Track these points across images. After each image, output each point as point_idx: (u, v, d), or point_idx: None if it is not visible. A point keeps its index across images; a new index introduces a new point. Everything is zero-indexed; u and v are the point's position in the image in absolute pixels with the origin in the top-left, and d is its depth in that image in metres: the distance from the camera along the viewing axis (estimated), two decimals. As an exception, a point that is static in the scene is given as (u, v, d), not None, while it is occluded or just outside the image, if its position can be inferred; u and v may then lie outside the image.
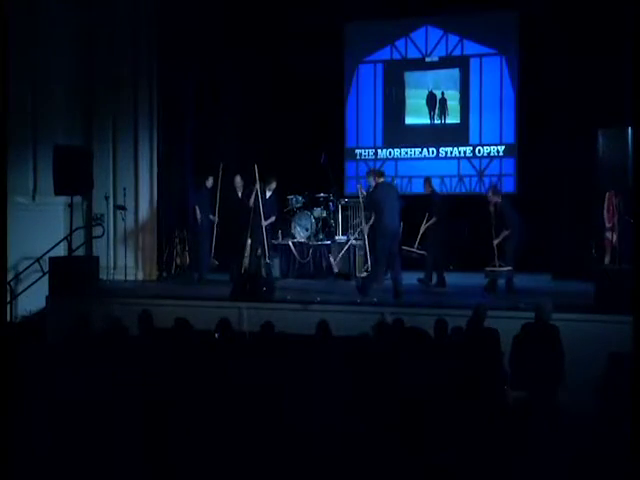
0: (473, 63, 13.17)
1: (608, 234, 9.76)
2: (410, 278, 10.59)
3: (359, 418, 4.80)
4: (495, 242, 9.98)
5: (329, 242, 12.17)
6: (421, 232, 10.81)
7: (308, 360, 5.77)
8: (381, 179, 9.84)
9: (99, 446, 4.89)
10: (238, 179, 11.40)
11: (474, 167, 13.22)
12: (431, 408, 5.04)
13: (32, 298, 10.66)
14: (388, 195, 9.66)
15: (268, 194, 11.08)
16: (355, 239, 11.93)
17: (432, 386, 5.25)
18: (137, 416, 5.04)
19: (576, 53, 11.30)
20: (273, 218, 11.15)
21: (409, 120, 13.63)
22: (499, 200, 10.15)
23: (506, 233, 9.94)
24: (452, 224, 11.38)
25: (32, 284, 10.89)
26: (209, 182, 11.51)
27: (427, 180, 11.15)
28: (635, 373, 5.14)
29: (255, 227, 10.83)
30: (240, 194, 11.34)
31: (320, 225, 12.46)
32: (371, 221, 10.28)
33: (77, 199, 11.51)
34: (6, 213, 8.18)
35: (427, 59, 13.41)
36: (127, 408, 5.10)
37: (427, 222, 10.76)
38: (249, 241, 10.90)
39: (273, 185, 11.07)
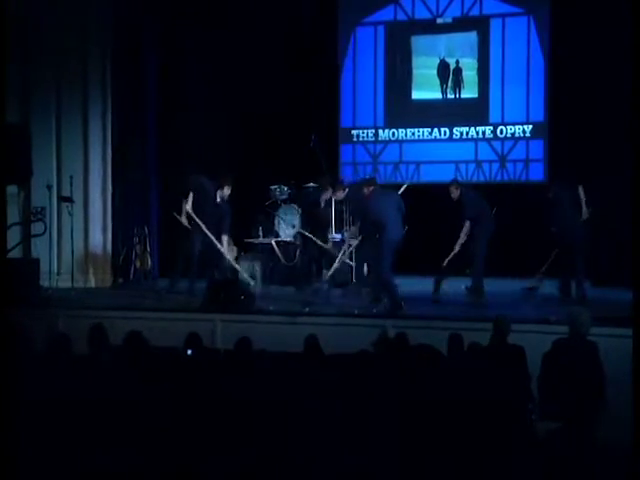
0: (494, 25, 13.18)
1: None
2: (414, 285, 10.81)
3: (356, 451, 4.82)
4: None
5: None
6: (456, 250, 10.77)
7: (294, 382, 5.78)
8: (371, 187, 10.14)
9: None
10: (227, 191, 11.20)
11: (495, 151, 13.25)
12: (443, 442, 5.04)
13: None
14: (385, 205, 9.91)
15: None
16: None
17: (445, 415, 5.25)
18: (87, 454, 5.03)
19: (623, 11, 11.26)
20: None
21: (417, 94, 13.66)
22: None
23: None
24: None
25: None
26: (227, 190, 11.02)
27: (453, 183, 11.04)
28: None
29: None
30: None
31: (310, 221, 12.44)
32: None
33: (12, 189, 11.51)
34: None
35: (438, 20, 13.43)
36: (76, 444, 5.09)
37: (460, 238, 10.69)
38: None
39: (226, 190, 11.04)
